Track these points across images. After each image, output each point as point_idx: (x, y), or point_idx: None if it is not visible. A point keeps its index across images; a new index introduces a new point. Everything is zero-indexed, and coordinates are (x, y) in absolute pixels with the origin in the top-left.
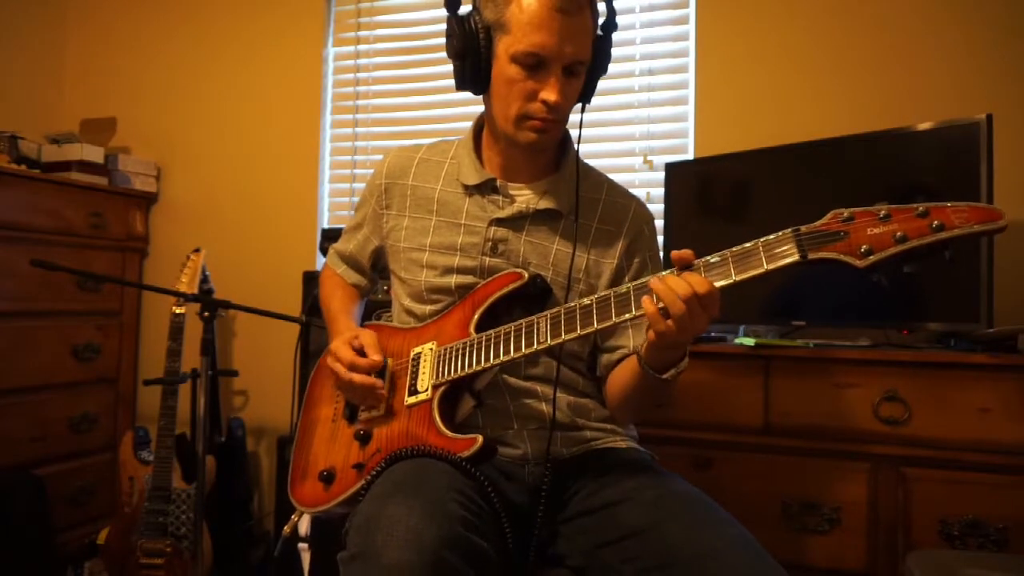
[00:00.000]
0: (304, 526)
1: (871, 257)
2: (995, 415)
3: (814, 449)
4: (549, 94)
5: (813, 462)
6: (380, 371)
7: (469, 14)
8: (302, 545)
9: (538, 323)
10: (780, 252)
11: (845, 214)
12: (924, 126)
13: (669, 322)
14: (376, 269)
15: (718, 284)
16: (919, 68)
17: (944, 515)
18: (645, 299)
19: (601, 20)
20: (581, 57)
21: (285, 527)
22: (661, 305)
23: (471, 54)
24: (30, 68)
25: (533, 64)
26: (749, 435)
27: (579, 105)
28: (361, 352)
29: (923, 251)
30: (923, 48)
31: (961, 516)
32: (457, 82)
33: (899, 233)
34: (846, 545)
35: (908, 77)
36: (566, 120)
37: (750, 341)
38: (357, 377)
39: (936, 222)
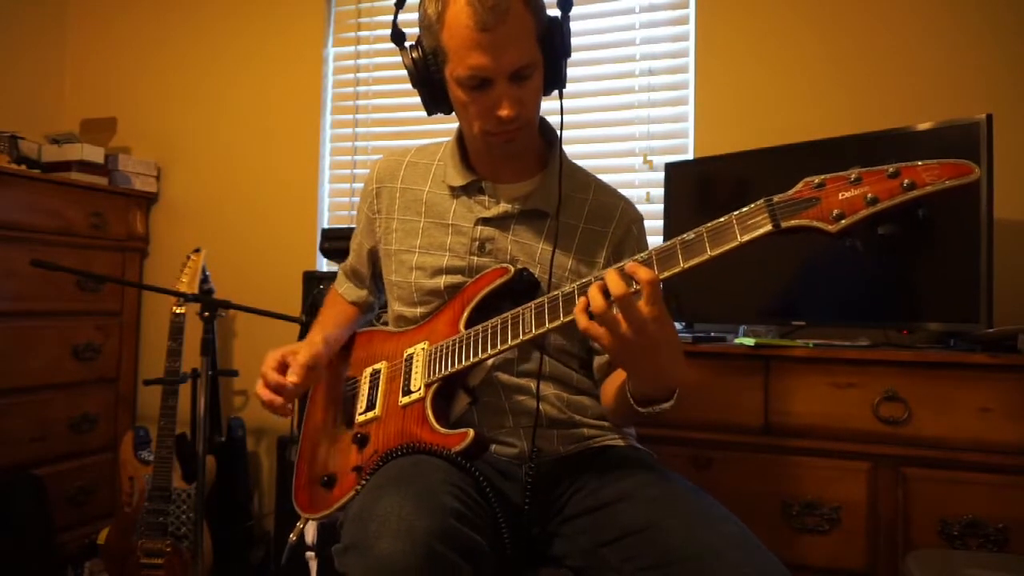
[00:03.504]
0: (311, 533)
1: (843, 221)
2: (995, 415)
3: (814, 449)
4: (502, 110)
5: (813, 462)
6: (353, 382)
7: (415, 44)
8: (309, 554)
9: (523, 314)
10: (753, 223)
11: (816, 181)
12: (924, 126)
13: (595, 323)
14: (376, 276)
15: (693, 262)
16: (919, 68)
17: (944, 515)
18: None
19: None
20: (523, 62)
21: (291, 535)
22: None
23: (425, 83)
24: (30, 68)
25: (477, 84)
26: (749, 435)
27: (556, 92)
28: (285, 367)
29: (895, 211)
30: (923, 48)
31: (961, 516)
32: (426, 108)
33: (870, 195)
34: (846, 545)
35: (908, 77)
36: (533, 120)
37: (750, 341)
38: (260, 390)
39: (907, 181)
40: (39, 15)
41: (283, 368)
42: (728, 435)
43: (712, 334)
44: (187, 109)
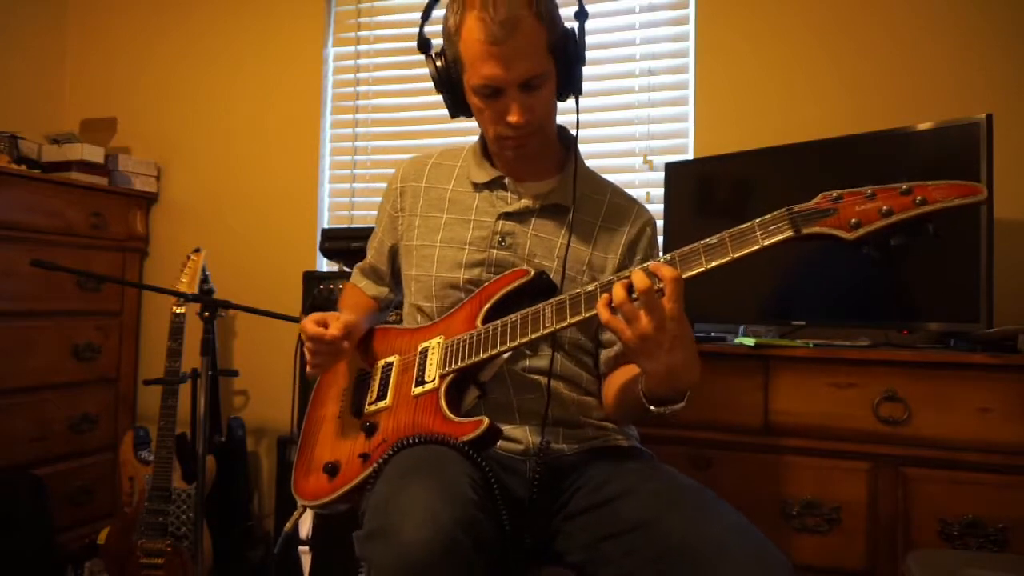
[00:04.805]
0: (305, 528)
1: (860, 230)
2: (995, 415)
3: (814, 449)
4: (511, 116)
5: (813, 462)
6: (364, 375)
7: (440, 52)
8: (302, 548)
9: (544, 310)
10: (775, 229)
11: (834, 195)
12: (924, 126)
13: (617, 316)
14: (395, 274)
15: (712, 265)
16: (919, 68)
17: (944, 515)
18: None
19: (572, 11)
20: (532, 73)
21: (287, 524)
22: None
23: (448, 89)
24: (30, 68)
25: (489, 93)
26: (749, 435)
27: (572, 97)
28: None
29: (908, 224)
30: (923, 48)
31: (961, 516)
32: (449, 112)
33: (884, 208)
34: (846, 545)
35: (908, 77)
36: (545, 126)
37: (750, 341)
38: (310, 328)
39: (919, 197)
40: (39, 15)
41: (323, 325)
42: (728, 435)
43: (712, 334)
44: (187, 109)
